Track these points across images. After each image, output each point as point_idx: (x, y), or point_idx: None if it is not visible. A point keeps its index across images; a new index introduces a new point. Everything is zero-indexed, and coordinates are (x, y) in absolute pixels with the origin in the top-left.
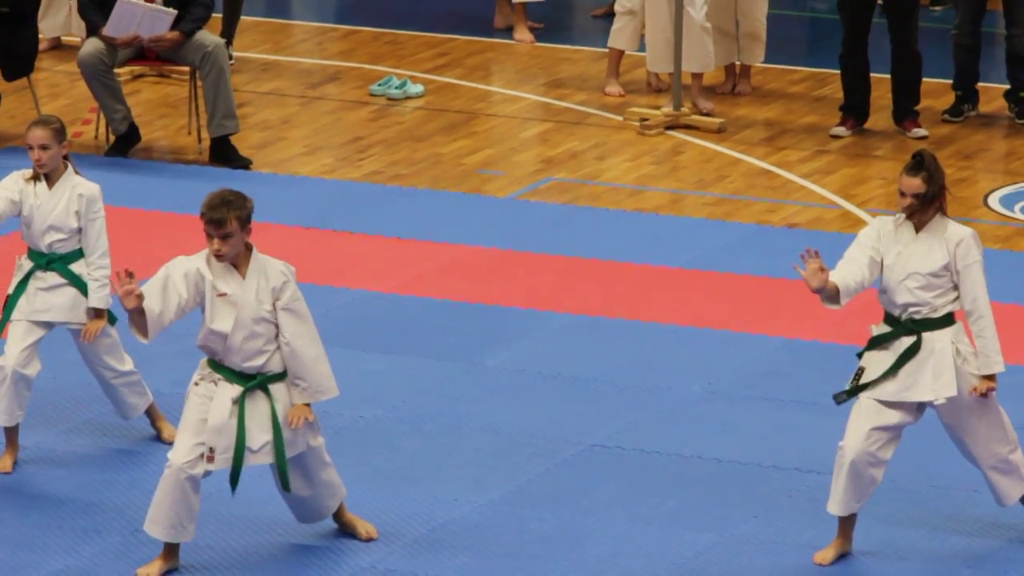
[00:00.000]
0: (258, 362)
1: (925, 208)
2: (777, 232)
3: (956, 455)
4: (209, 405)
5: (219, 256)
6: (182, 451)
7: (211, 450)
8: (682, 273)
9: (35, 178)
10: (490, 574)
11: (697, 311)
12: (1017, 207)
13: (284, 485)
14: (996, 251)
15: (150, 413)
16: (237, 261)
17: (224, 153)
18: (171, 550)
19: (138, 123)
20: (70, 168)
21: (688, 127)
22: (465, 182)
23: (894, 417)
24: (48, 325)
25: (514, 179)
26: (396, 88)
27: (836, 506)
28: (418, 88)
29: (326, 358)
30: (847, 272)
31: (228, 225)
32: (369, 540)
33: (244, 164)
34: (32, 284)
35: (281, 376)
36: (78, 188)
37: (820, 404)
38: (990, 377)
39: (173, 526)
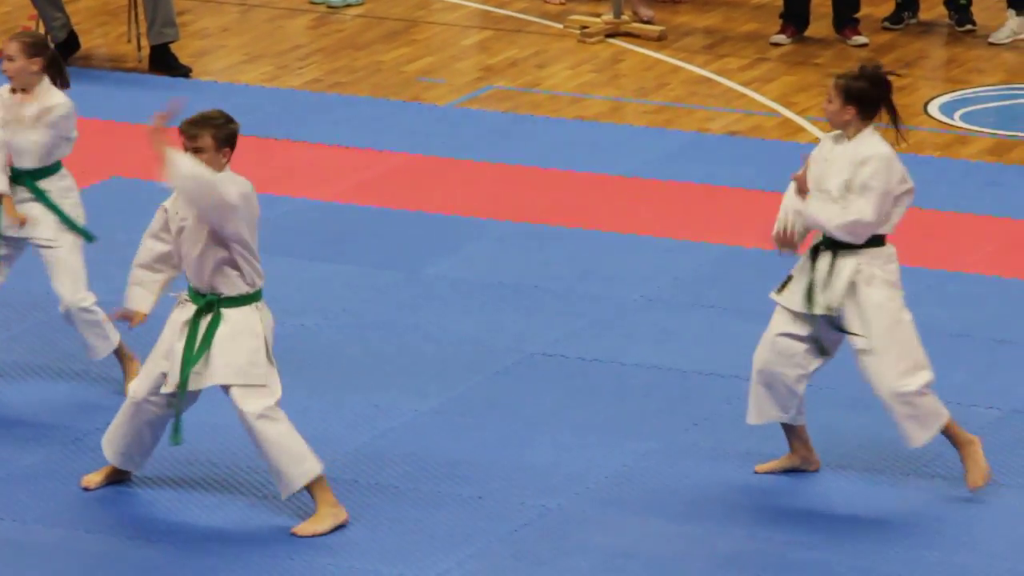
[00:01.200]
0: (210, 282)
1: (846, 119)
2: (717, 140)
3: None
4: (171, 332)
5: None
6: (140, 381)
7: (164, 375)
8: (622, 181)
9: (13, 91)
10: (431, 482)
11: (637, 219)
12: (956, 115)
13: (177, 406)
14: (936, 159)
15: (118, 355)
16: None
17: (164, 61)
18: (118, 470)
19: (77, 31)
20: (44, 82)
21: (628, 35)
22: (405, 90)
23: (803, 328)
24: (15, 242)
25: (454, 87)
26: None
27: (750, 415)
28: None
29: None
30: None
31: (200, 140)
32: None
33: (184, 72)
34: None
35: (235, 300)
36: (44, 102)
37: (759, 311)
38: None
39: (123, 454)
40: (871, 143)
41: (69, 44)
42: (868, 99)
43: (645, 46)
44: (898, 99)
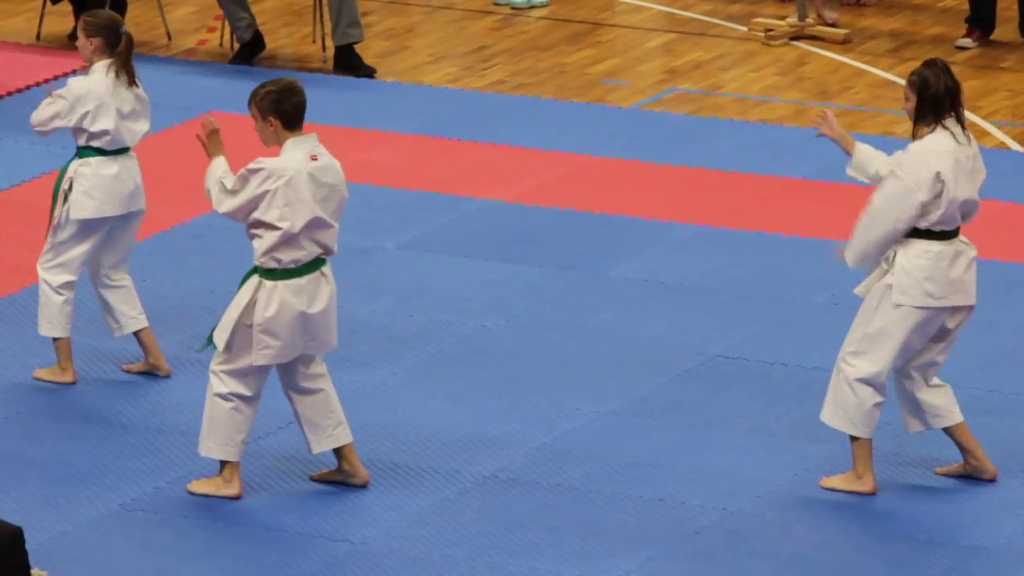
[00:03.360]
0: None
1: (914, 117)
2: (902, 145)
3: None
4: None
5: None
6: None
7: None
8: (805, 184)
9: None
10: (612, 484)
11: (820, 222)
12: None
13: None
14: None
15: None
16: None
17: (348, 61)
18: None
19: (263, 31)
20: (94, 66)
21: (813, 37)
22: (589, 92)
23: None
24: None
25: (638, 89)
26: None
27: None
28: None
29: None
30: None
31: (253, 115)
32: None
33: (368, 72)
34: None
35: (264, 273)
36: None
37: None
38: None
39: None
40: (922, 139)
41: (254, 44)
42: (925, 94)
43: (830, 49)
44: None
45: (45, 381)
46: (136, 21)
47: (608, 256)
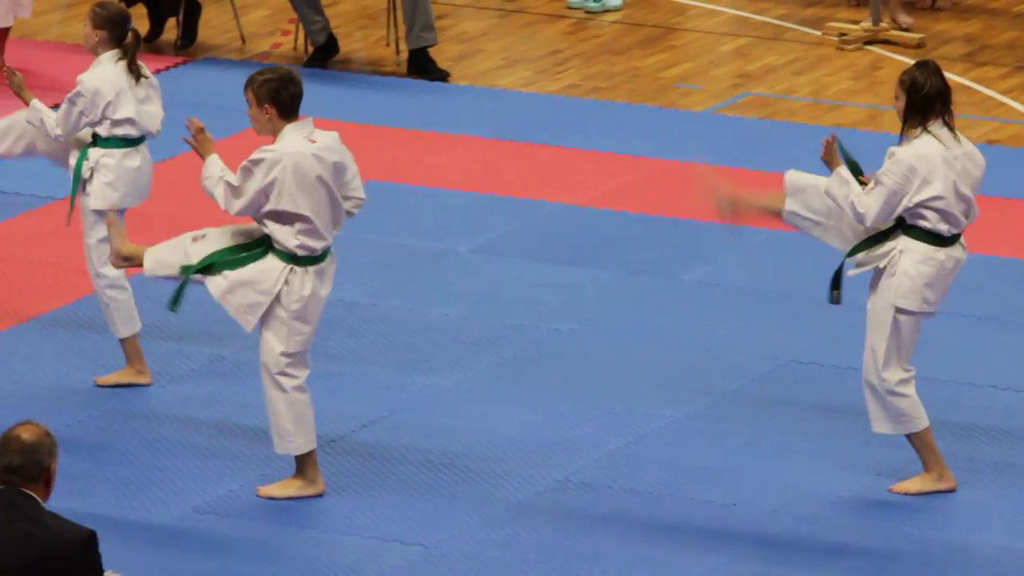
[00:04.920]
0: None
1: (903, 117)
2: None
3: None
4: None
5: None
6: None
7: None
8: None
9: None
10: (684, 488)
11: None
12: None
13: (185, 280)
14: None
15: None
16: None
17: (422, 65)
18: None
19: (336, 34)
20: (100, 57)
21: (887, 42)
22: (663, 96)
23: None
24: None
25: (711, 93)
26: (594, 1)
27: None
28: (616, 1)
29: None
30: None
31: (248, 100)
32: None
33: (442, 76)
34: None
35: (275, 250)
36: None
37: (1018, 322)
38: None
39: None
40: (909, 143)
41: (328, 47)
42: (914, 97)
43: (904, 53)
44: None
45: (118, 386)
46: (211, 24)
47: (681, 260)
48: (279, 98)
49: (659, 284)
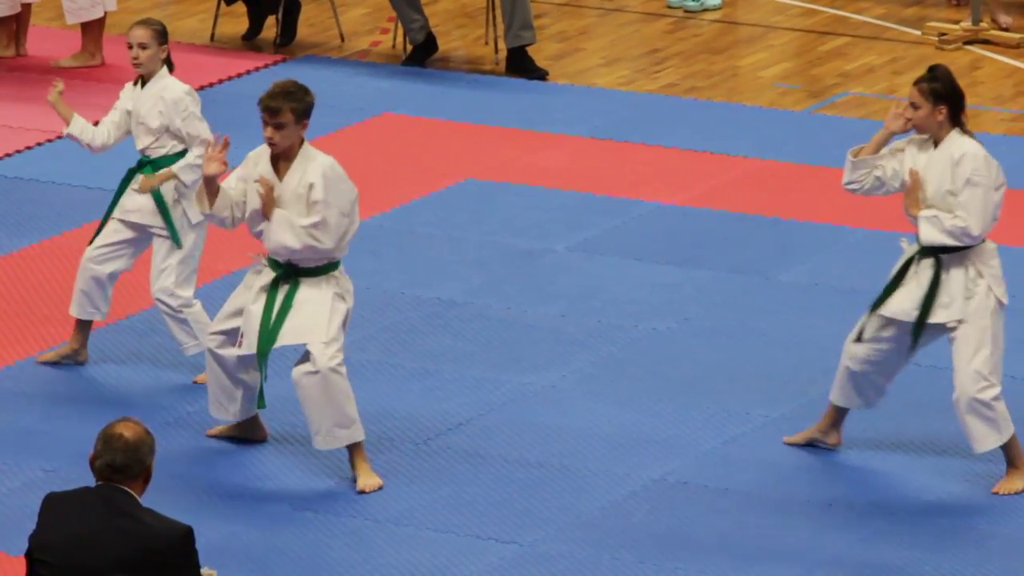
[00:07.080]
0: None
1: (939, 120)
2: None
3: None
4: (246, 293)
5: (272, 144)
6: (213, 336)
7: (242, 334)
8: None
9: (138, 81)
10: (779, 488)
11: (995, 227)
12: None
13: (260, 365)
14: None
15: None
16: (290, 154)
17: (520, 63)
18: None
19: (435, 32)
20: (164, 70)
21: (987, 42)
22: (761, 95)
23: (900, 334)
24: (136, 227)
25: (810, 93)
26: (693, 0)
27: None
28: (716, 0)
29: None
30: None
31: (282, 115)
32: (361, 492)
33: (540, 75)
34: (130, 185)
35: (313, 271)
36: (164, 91)
37: None
38: None
39: (215, 403)
40: (962, 143)
41: (427, 46)
42: (955, 98)
43: (1004, 53)
44: None
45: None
46: (310, 22)
47: (779, 260)
48: (309, 116)
49: (756, 284)
